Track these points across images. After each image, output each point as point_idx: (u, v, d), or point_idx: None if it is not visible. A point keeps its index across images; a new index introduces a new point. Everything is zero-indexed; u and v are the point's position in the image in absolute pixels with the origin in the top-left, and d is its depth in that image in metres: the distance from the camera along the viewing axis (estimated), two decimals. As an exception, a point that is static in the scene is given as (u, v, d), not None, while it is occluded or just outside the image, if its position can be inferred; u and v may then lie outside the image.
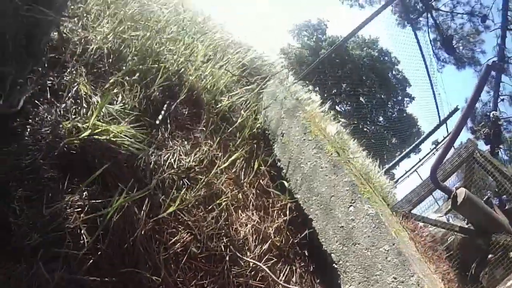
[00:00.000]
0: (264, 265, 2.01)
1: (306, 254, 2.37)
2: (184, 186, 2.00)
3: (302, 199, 2.43)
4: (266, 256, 2.09)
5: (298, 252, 2.34)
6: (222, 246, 1.93)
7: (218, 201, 2.04)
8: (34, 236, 1.42)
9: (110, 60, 2.39)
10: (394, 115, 26.74)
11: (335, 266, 2.22)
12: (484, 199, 4.52)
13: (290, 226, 2.38)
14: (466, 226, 4.45)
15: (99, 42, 2.37)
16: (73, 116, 1.86)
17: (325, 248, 2.27)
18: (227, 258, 1.90)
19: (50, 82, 2.01)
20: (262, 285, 1.96)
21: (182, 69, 2.70)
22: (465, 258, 4.23)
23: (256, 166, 2.45)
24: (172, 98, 2.51)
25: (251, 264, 1.98)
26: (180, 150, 2.15)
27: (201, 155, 2.20)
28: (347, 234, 2.25)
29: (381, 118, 26.43)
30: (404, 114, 26.27)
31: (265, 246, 2.13)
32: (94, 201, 1.60)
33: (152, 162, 1.96)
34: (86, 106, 1.95)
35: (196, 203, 1.98)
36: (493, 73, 8.40)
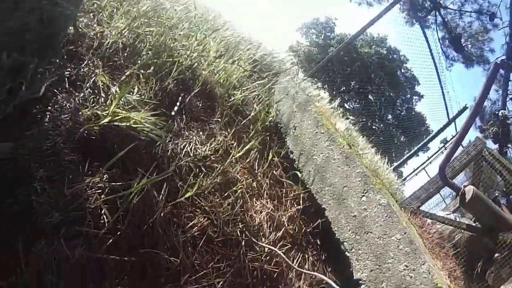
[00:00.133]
0: (279, 250, 2.00)
1: (318, 243, 2.36)
2: (200, 174, 2.01)
3: (315, 189, 2.42)
4: (280, 243, 2.09)
5: (310, 240, 2.33)
6: (238, 231, 1.92)
7: (234, 188, 2.05)
8: (55, 215, 1.44)
9: (125, 54, 2.41)
10: (402, 113, 26.12)
11: (348, 254, 2.21)
12: (491, 198, 4.45)
13: (302, 215, 2.37)
14: (474, 225, 4.38)
15: (114, 37, 2.40)
16: (92, 105, 1.88)
17: (338, 237, 2.25)
18: (243, 243, 1.90)
19: (68, 73, 2.03)
20: (276, 270, 1.95)
21: (195, 64, 2.72)
22: (471, 256, 4.16)
23: (270, 157, 2.45)
24: (186, 91, 2.52)
25: (266, 249, 1.97)
26: (196, 140, 2.16)
27: (216, 145, 2.21)
28: (359, 223, 2.24)
29: (389, 116, 25.84)
30: (413, 112, 25.63)
31: (279, 234, 2.13)
32: (114, 183, 1.61)
33: (170, 150, 1.97)
34: (104, 96, 1.97)
35: (213, 190, 1.99)
36: (501, 71, 8.27)
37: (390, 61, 25.50)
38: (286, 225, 2.21)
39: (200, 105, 2.51)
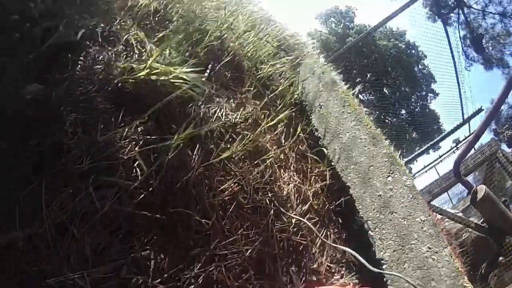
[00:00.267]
0: (308, 222, 1.84)
1: (340, 221, 2.20)
2: (231, 140, 1.84)
3: (340, 167, 2.25)
4: (307, 216, 1.93)
5: (332, 218, 2.17)
6: (267, 200, 1.76)
7: (264, 157, 1.88)
8: (86, 162, 1.26)
9: (157, 18, 2.25)
10: (416, 109, 24.53)
11: (371, 233, 2.06)
12: (501, 201, 4.27)
13: (326, 192, 2.21)
14: (482, 225, 4.21)
15: (146, 1, 2.22)
16: (126, 59, 1.70)
17: (362, 215, 2.10)
18: (272, 212, 1.74)
19: (101, 28, 1.86)
20: (303, 242, 1.79)
21: (225, 35, 2.53)
22: (476, 257, 4.01)
23: (298, 131, 2.28)
24: (215, 60, 2.34)
25: (293, 221, 1.81)
26: (226, 106, 1.99)
27: (246, 114, 2.04)
28: (384, 203, 2.08)
29: (403, 111, 24.29)
30: (427, 110, 24.10)
31: (305, 207, 1.97)
32: (149, 137, 1.44)
33: (202, 113, 1.80)
34: (137, 52, 1.80)
35: (243, 156, 1.82)
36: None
37: (408, 56, 24.05)
38: (311, 200, 2.04)
39: (229, 75, 2.33)
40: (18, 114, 1.26)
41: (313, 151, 2.35)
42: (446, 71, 7.82)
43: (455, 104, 8.19)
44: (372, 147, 2.25)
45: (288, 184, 1.95)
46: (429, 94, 24.70)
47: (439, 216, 4.07)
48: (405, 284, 1.86)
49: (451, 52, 6.78)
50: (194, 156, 1.54)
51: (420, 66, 24.46)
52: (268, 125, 2.06)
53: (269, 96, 2.36)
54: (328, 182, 2.22)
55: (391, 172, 2.15)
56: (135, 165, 1.34)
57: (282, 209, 1.78)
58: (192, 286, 1.30)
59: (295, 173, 2.07)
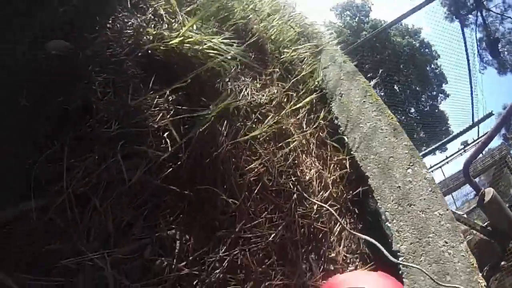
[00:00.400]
0: (326, 210, 1.70)
1: (356, 211, 2.06)
2: (256, 120, 1.67)
3: (360, 157, 2.10)
4: (328, 203, 1.78)
5: (349, 208, 2.03)
6: (291, 184, 1.61)
7: (288, 140, 1.72)
8: (114, 126, 1.09)
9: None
10: (426, 109, 23.35)
11: (388, 224, 1.92)
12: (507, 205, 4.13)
13: (345, 181, 2.06)
14: (487, 228, 4.06)
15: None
16: (156, 27, 1.52)
17: (380, 206, 1.96)
18: (295, 197, 1.59)
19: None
20: (324, 228, 1.65)
21: (250, 16, 2.35)
22: (479, 260, 3.87)
23: (321, 117, 2.12)
24: (239, 40, 2.17)
25: (315, 207, 1.67)
26: (251, 86, 1.82)
27: (272, 95, 1.87)
28: (403, 195, 1.94)
29: (412, 110, 23.20)
30: (436, 110, 22.75)
31: (326, 194, 1.82)
32: (180, 107, 1.27)
33: (229, 90, 1.63)
34: (167, 22, 1.61)
35: (267, 138, 1.66)
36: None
37: (422, 54, 22.80)
38: (331, 188, 1.90)
39: (253, 56, 2.15)
40: (40, 69, 1.08)
41: (333, 139, 2.20)
42: (459, 72, 7.37)
43: (466, 106, 7.76)
44: (393, 138, 2.10)
45: (310, 170, 1.80)
46: (440, 95, 23.64)
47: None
48: (420, 277, 1.74)
49: (467, 53, 6.33)
50: (223, 131, 1.38)
51: (432, 66, 23.40)
52: (291, 108, 1.89)
53: (291, 81, 2.19)
54: (347, 171, 2.07)
55: (411, 164, 2.01)
56: (165, 135, 1.18)
57: (305, 194, 1.63)
58: (217, 271, 1.15)
59: (316, 159, 1.92)
